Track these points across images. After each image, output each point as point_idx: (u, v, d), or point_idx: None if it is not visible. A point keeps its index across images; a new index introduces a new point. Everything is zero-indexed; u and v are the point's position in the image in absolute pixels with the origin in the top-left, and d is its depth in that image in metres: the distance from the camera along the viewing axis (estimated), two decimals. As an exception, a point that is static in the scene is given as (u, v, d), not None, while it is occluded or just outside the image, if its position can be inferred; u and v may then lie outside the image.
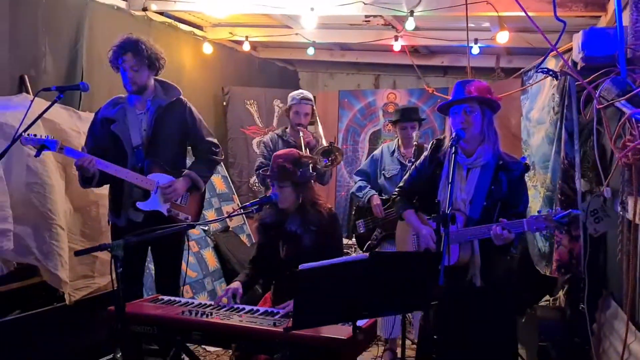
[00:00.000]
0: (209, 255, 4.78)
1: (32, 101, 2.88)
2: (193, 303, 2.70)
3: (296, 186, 2.77)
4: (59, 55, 3.78)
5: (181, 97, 3.31)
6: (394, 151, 3.94)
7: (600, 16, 3.77)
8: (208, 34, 5.58)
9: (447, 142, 2.66)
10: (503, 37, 4.54)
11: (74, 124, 3.58)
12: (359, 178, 4.07)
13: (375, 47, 5.97)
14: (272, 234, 2.89)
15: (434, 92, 5.12)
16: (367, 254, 2.17)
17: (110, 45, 3.16)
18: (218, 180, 5.34)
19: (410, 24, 4.33)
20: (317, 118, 4.20)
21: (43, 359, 3.20)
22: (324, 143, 3.95)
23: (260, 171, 3.77)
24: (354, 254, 4.39)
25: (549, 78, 3.39)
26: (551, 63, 3.51)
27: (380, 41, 5.42)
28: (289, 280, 2.75)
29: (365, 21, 5.18)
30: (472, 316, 2.56)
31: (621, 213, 2.79)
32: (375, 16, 4.89)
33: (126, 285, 2.18)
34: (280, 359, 2.23)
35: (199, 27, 5.56)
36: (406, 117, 3.89)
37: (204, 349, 3.90)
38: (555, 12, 2.74)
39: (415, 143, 3.77)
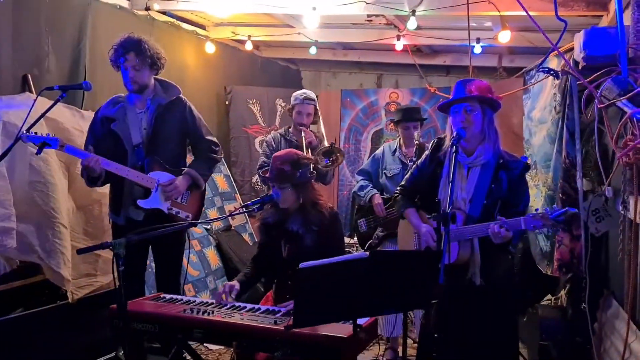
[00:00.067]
0: (211, 254, 4.79)
1: (35, 100, 2.90)
2: (195, 301, 2.71)
3: (296, 187, 2.78)
4: (62, 54, 3.79)
5: (181, 95, 3.32)
6: (395, 150, 3.95)
7: (602, 16, 3.77)
8: (210, 34, 5.59)
9: (447, 141, 2.67)
10: (505, 37, 4.53)
11: (77, 123, 3.60)
12: (360, 177, 4.08)
13: (377, 47, 5.97)
14: (274, 233, 2.90)
15: (436, 92, 5.12)
16: (367, 252, 2.17)
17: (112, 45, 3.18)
18: (220, 179, 5.36)
19: (412, 24, 4.34)
20: (320, 117, 4.21)
21: (45, 356, 3.21)
22: (326, 143, 3.96)
23: (260, 172, 3.78)
24: (355, 253, 4.40)
25: (551, 77, 3.39)
26: (553, 62, 3.51)
27: (382, 40, 5.42)
28: (291, 279, 2.77)
29: (368, 20, 5.18)
30: (472, 315, 2.56)
31: (622, 212, 2.79)
32: (377, 15, 4.90)
33: (127, 284, 2.19)
34: (280, 356, 2.24)
35: (202, 27, 5.57)
36: (408, 117, 3.90)
37: (206, 347, 3.92)
38: (556, 11, 2.74)
39: (416, 142, 3.78)
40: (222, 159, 4.19)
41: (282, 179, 2.75)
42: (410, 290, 2.20)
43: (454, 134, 2.55)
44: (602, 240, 3.27)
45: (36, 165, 3.25)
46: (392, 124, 4.21)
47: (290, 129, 4.08)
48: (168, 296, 2.81)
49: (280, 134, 4.11)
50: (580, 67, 2.96)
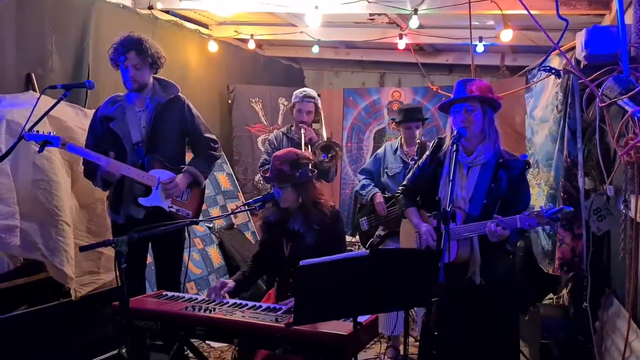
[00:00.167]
0: (214, 253, 4.81)
1: (38, 99, 2.92)
2: (197, 299, 2.72)
3: (296, 187, 2.78)
4: (65, 53, 3.81)
5: (179, 94, 3.33)
6: (396, 149, 3.95)
7: (604, 14, 3.76)
8: (213, 32, 5.61)
9: (448, 141, 2.67)
10: (507, 35, 4.53)
11: (80, 122, 3.61)
12: (362, 177, 4.08)
13: (380, 45, 5.97)
14: (276, 232, 2.91)
15: (439, 90, 5.13)
16: (367, 250, 2.18)
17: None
18: (223, 178, 5.37)
19: (414, 22, 4.34)
20: (322, 118, 4.22)
21: (48, 354, 3.22)
22: None
23: (261, 172, 3.80)
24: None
25: (553, 76, 3.39)
26: (555, 61, 3.51)
27: (385, 39, 5.43)
28: (292, 277, 2.78)
29: (370, 19, 5.19)
30: (472, 314, 2.57)
31: (624, 211, 2.79)
32: (379, 14, 4.90)
33: (129, 281, 2.20)
34: (281, 354, 2.26)
35: (205, 26, 5.59)
36: (410, 117, 3.89)
37: (209, 345, 3.93)
38: (557, 10, 2.74)
39: (418, 141, 3.78)
40: (222, 157, 4.20)
41: (281, 178, 2.76)
42: (410, 288, 2.21)
43: (455, 132, 2.56)
44: (604, 239, 3.27)
45: (40, 163, 3.27)
46: (394, 124, 4.21)
47: (293, 128, 4.10)
48: (170, 294, 2.82)
49: (282, 133, 4.13)
50: (581, 66, 2.96)
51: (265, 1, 4.38)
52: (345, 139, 6.35)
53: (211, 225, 4.89)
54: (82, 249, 2.34)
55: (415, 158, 3.56)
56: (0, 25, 3.39)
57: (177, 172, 3.23)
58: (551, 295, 3.85)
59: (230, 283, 2.80)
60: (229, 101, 5.82)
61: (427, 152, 2.85)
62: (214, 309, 2.50)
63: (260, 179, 5.55)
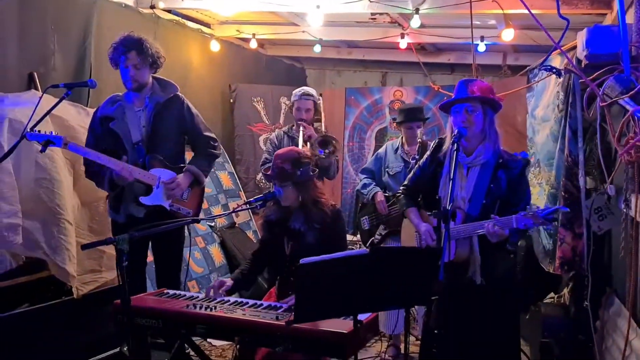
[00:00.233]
0: (215, 251, 4.82)
1: (40, 98, 2.93)
2: (198, 297, 2.74)
3: (297, 185, 2.79)
4: (67, 52, 3.82)
5: (178, 93, 3.34)
6: (397, 149, 3.96)
7: (606, 14, 3.76)
8: (215, 32, 5.62)
9: (448, 141, 2.68)
10: (508, 35, 4.53)
11: (82, 121, 3.62)
12: (364, 176, 4.09)
13: (382, 45, 5.97)
14: (277, 230, 2.91)
15: (440, 90, 5.13)
16: (367, 249, 2.19)
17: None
18: (225, 177, 5.38)
19: (415, 22, 4.34)
20: (323, 119, 4.23)
21: (50, 352, 3.23)
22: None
23: (262, 171, 3.82)
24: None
25: (554, 76, 3.39)
26: (556, 61, 3.51)
27: (386, 39, 5.43)
28: (293, 275, 2.79)
29: (372, 19, 5.19)
30: (473, 313, 2.57)
31: (625, 210, 2.79)
32: (381, 14, 4.91)
33: (130, 279, 2.21)
34: (282, 351, 2.27)
35: (207, 25, 5.59)
36: (411, 117, 3.90)
37: (210, 343, 3.94)
38: (558, 9, 2.74)
39: (419, 140, 3.78)
40: (224, 156, 4.21)
41: (282, 177, 2.77)
42: (410, 287, 2.22)
43: (455, 132, 2.56)
44: (605, 238, 3.27)
45: (42, 162, 3.28)
46: (395, 123, 4.22)
47: (294, 127, 4.10)
48: (171, 292, 2.83)
49: (283, 132, 4.15)
50: (582, 65, 2.96)
51: (267, 0, 4.39)
52: (347, 138, 6.36)
53: (213, 224, 4.90)
54: (84, 247, 2.35)
55: (417, 157, 3.57)
56: (2, 25, 3.41)
57: (177, 171, 3.24)
58: (552, 294, 3.86)
59: (229, 282, 2.81)
60: (231, 100, 5.83)
61: (428, 152, 2.85)
62: (215, 307, 2.51)
63: (262, 178, 5.56)
